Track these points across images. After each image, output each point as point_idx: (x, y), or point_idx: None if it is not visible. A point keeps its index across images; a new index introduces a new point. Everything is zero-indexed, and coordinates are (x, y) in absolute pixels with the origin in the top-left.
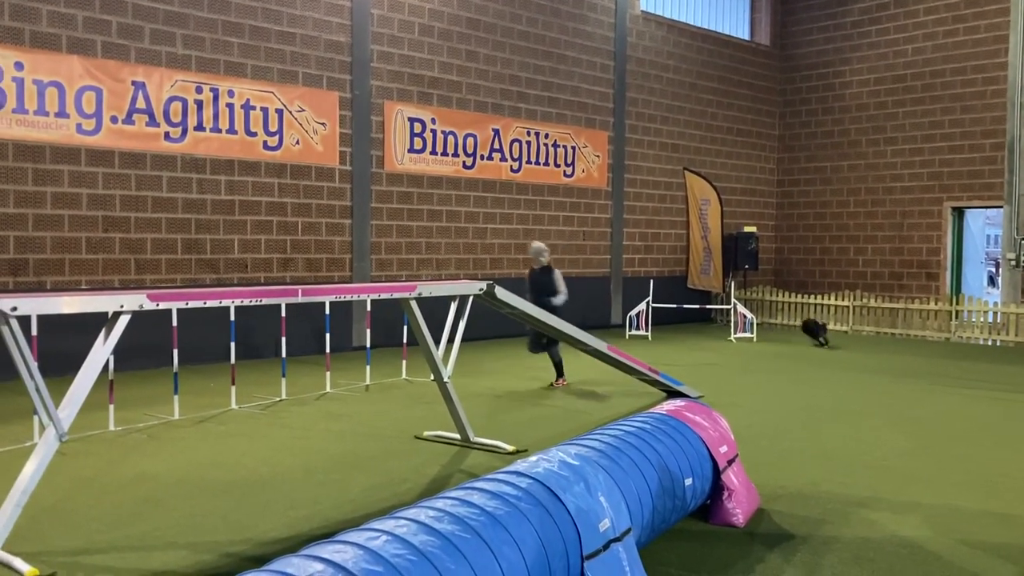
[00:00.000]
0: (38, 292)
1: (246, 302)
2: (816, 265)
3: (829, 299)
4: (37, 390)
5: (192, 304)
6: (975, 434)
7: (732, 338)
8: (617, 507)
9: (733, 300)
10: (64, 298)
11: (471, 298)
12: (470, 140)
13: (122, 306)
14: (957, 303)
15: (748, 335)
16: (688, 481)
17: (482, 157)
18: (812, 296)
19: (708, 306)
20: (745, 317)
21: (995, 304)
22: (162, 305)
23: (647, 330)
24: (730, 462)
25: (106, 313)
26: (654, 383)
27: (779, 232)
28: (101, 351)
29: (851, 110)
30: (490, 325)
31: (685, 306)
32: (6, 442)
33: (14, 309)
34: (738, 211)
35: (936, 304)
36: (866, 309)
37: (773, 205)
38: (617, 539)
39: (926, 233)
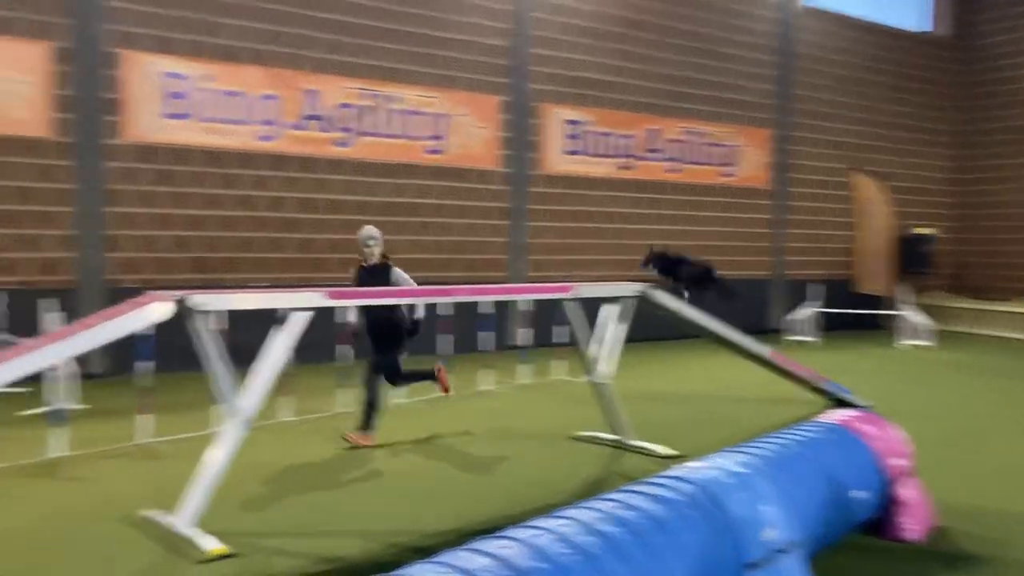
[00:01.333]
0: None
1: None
2: (999, 269)
3: (1013, 306)
4: (223, 380)
5: (368, 303)
6: None
7: (903, 345)
8: (783, 518)
9: (904, 305)
10: (250, 295)
11: (634, 300)
12: (627, 141)
13: (302, 303)
14: None
15: (922, 342)
16: (858, 494)
17: (639, 158)
18: (993, 303)
19: (877, 311)
20: (917, 323)
21: None
22: (340, 303)
23: (812, 335)
24: (904, 475)
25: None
26: (819, 391)
27: (956, 234)
28: (283, 344)
29: None
30: (641, 327)
31: (851, 311)
32: (193, 428)
33: (200, 305)
34: (909, 211)
35: None
36: None
37: (948, 205)
38: (782, 550)
39: None
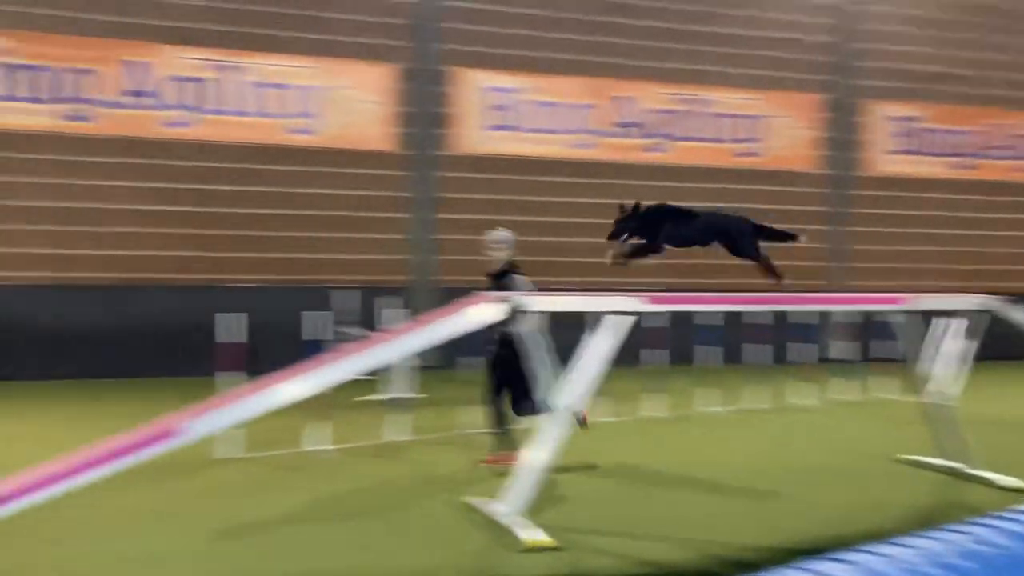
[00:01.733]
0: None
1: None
2: None
3: None
4: (546, 379)
5: (685, 308)
6: None
7: None
8: None
9: None
10: (570, 298)
11: (984, 316)
12: (966, 138)
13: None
14: None
15: None
16: None
17: (984, 156)
18: None
19: None
20: None
21: None
22: (661, 308)
23: None
24: None
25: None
26: None
27: None
28: (604, 347)
29: None
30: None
31: None
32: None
33: (529, 306)
34: None
35: None
36: None
37: None
38: None
39: None
